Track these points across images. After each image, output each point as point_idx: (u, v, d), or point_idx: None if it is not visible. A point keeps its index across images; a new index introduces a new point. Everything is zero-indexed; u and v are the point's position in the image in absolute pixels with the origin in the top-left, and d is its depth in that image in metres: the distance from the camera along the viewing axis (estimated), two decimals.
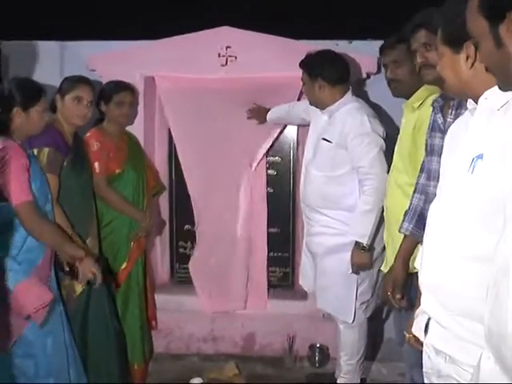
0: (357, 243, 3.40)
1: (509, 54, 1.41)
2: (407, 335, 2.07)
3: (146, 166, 4.08)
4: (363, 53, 3.72)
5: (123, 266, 3.78)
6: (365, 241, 3.37)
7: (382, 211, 3.26)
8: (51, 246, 2.88)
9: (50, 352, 2.96)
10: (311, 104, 3.63)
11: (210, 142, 4.25)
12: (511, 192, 1.44)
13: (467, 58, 1.74)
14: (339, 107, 3.48)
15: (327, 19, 6.04)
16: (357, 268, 3.45)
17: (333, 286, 3.57)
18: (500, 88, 1.55)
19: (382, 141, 3.38)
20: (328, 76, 3.45)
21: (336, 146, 3.44)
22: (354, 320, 3.58)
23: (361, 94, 4.00)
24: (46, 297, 2.83)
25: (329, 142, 3.48)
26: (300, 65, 3.55)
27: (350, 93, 3.52)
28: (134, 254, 3.84)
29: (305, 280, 3.87)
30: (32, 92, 2.92)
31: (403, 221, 2.74)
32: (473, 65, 1.74)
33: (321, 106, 3.57)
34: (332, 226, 3.51)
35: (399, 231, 2.75)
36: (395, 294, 2.71)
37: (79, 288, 3.25)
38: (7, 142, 2.77)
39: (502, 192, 1.49)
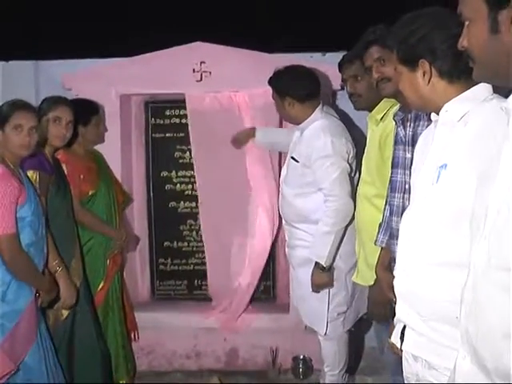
0: (316, 263, 3.41)
1: (503, 41, 1.38)
2: (389, 343, 2.09)
3: (114, 182, 4.06)
4: (337, 65, 3.74)
5: (101, 285, 3.75)
6: (323, 261, 3.38)
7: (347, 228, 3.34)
8: (24, 280, 2.82)
9: (46, 377, 2.93)
10: (284, 120, 3.66)
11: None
12: (477, 198, 1.47)
13: (424, 75, 1.79)
14: (308, 124, 3.47)
15: (301, 32, 6.09)
16: (316, 287, 3.47)
17: (306, 297, 3.59)
18: (477, 79, 1.54)
19: (345, 163, 3.37)
20: (296, 93, 3.42)
21: (302, 166, 3.46)
22: (326, 332, 3.59)
23: (334, 106, 4.03)
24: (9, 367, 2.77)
25: (296, 161, 3.50)
26: (268, 82, 3.54)
27: (319, 109, 3.49)
28: (111, 271, 3.82)
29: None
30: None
31: (378, 233, 2.77)
32: (430, 80, 1.80)
33: (293, 122, 3.59)
34: (304, 239, 3.53)
35: (375, 244, 2.78)
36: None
37: (65, 312, 3.28)
38: None
39: (467, 198, 1.53)
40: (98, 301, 3.70)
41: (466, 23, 1.48)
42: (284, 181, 3.63)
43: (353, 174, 3.49)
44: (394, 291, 2.69)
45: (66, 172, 3.55)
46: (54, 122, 3.25)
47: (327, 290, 3.52)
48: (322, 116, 3.48)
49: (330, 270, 3.44)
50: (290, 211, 3.60)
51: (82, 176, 3.67)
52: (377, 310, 2.79)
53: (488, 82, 1.60)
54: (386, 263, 2.74)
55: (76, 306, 3.32)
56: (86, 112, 3.75)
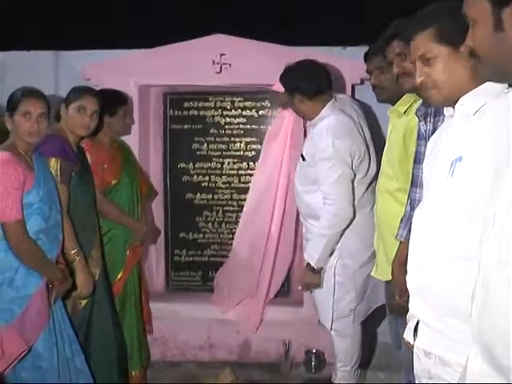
0: (307, 263, 3.44)
1: (508, 39, 1.39)
2: (405, 341, 2.08)
3: (139, 173, 4.06)
4: (357, 58, 3.73)
5: (120, 276, 3.75)
6: (313, 262, 3.40)
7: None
8: (31, 267, 2.83)
9: (56, 364, 2.94)
10: (298, 115, 3.66)
11: None
12: (492, 191, 1.46)
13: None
14: (318, 121, 3.44)
15: (321, 25, 6.06)
16: (304, 286, 3.53)
17: (316, 292, 3.62)
18: (490, 79, 1.54)
19: (346, 166, 3.34)
20: (305, 89, 3.40)
21: (308, 165, 3.46)
22: (332, 327, 3.61)
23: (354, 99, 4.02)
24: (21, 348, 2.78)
25: (304, 159, 3.51)
26: (279, 78, 3.54)
27: (330, 105, 3.46)
28: (130, 262, 3.82)
29: None
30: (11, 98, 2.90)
31: (399, 228, 2.75)
32: None
33: (305, 118, 3.60)
34: (313, 234, 3.52)
35: (396, 238, 2.76)
36: (400, 297, 2.72)
37: (84, 300, 3.30)
38: (0, 156, 2.75)
39: (483, 191, 1.53)
40: (115, 291, 3.71)
41: (471, 23, 1.47)
42: (296, 176, 3.64)
43: (365, 172, 3.48)
44: (400, 294, 2.71)
45: (90, 161, 3.56)
46: (78, 111, 3.24)
47: (332, 285, 3.53)
48: (331, 113, 3.42)
49: (320, 271, 3.46)
50: (301, 206, 3.61)
51: (105, 165, 3.67)
52: (396, 304, 2.77)
53: (496, 81, 1.58)
54: (403, 259, 2.73)
55: (94, 295, 3.34)
56: (113, 102, 3.75)
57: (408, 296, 2.69)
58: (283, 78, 3.50)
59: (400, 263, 2.74)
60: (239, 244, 4.35)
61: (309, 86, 3.40)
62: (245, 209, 4.32)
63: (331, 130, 3.34)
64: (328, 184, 3.31)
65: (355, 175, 3.40)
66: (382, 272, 3.00)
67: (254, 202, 4.26)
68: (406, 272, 2.69)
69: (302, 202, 3.59)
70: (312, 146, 3.42)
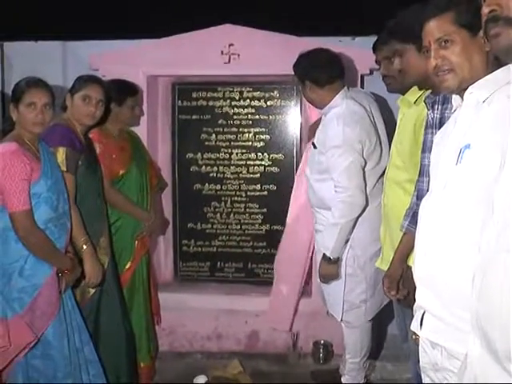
0: (323, 254, 3.41)
1: None
2: (413, 336, 2.07)
3: (149, 164, 4.06)
4: (366, 49, 3.71)
5: (128, 266, 3.75)
6: (328, 252, 3.37)
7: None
8: (40, 256, 2.83)
9: (67, 353, 2.95)
10: (311, 104, 3.65)
11: None
12: (499, 179, 1.45)
13: (484, 41, 1.75)
14: (329, 110, 3.44)
15: (330, 16, 6.03)
16: (322, 278, 3.48)
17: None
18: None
19: (357, 154, 3.31)
20: (315, 78, 3.39)
21: (318, 152, 3.45)
22: (342, 318, 3.60)
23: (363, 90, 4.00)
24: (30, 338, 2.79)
25: (315, 147, 3.50)
26: (293, 67, 3.52)
27: (341, 94, 3.43)
28: (139, 253, 3.82)
29: None
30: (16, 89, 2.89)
31: (403, 219, 2.74)
32: None
33: (316, 106, 3.57)
34: (324, 224, 3.50)
35: (400, 229, 2.75)
36: (390, 289, 2.73)
37: (92, 290, 3.31)
38: (5, 146, 2.75)
39: (491, 178, 1.51)
40: (123, 281, 3.71)
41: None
42: (307, 165, 3.63)
43: (376, 162, 3.46)
44: (389, 285, 2.72)
45: (98, 151, 3.56)
46: (83, 100, 3.23)
47: (343, 276, 3.51)
48: (343, 102, 3.41)
49: (337, 261, 3.43)
50: (312, 196, 3.59)
51: (113, 155, 3.67)
52: (403, 294, 2.76)
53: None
54: (406, 251, 2.72)
55: (103, 284, 3.34)
56: (121, 92, 3.75)
57: (394, 288, 2.72)
58: (295, 66, 3.49)
59: (401, 256, 2.74)
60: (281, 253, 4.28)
61: (320, 75, 3.39)
62: (288, 220, 4.25)
63: (342, 117, 3.33)
64: (338, 172, 3.29)
65: (366, 163, 3.39)
66: (388, 263, 2.99)
67: (295, 213, 4.18)
68: (405, 265, 2.71)
69: (312, 192, 3.57)
70: (323, 133, 3.41)
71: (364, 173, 3.37)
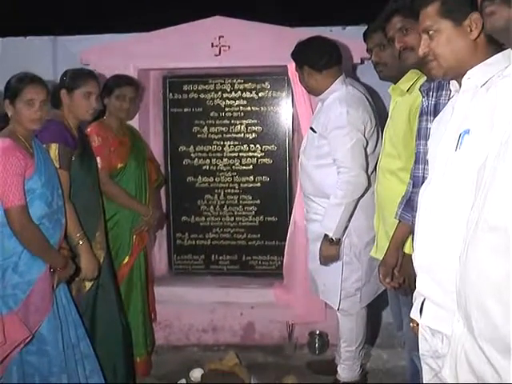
0: (325, 235, 3.41)
1: None
2: (411, 324, 2.07)
3: (148, 159, 4.06)
4: (357, 38, 3.71)
5: (125, 261, 3.75)
6: (331, 233, 3.37)
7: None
8: (33, 252, 2.82)
9: (62, 349, 2.94)
10: (308, 92, 3.64)
11: None
12: (492, 161, 1.47)
13: (470, 29, 1.75)
14: (328, 95, 3.45)
15: (320, 6, 6.03)
16: (324, 260, 3.47)
17: (321, 271, 3.59)
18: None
19: (360, 134, 3.34)
20: (313, 63, 3.41)
21: (319, 136, 3.45)
22: (339, 306, 3.60)
23: (355, 79, 4.00)
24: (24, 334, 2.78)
25: (314, 131, 3.49)
26: (291, 54, 3.52)
27: (340, 79, 3.46)
28: (137, 248, 3.82)
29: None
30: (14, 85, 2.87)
31: (398, 207, 2.75)
32: (478, 35, 1.76)
33: (314, 93, 3.57)
34: (319, 213, 3.50)
35: (395, 217, 2.76)
36: (385, 277, 2.74)
37: (88, 284, 3.30)
38: (1, 143, 2.73)
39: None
40: (121, 276, 3.72)
41: None
42: (303, 152, 3.62)
43: (373, 148, 3.47)
44: (384, 273, 2.73)
45: (97, 144, 3.57)
46: (85, 96, 3.22)
47: (340, 264, 3.52)
48: (342, 86, 3.44)
49: (338, 243, 3.43)
50: (307, 184, 3.58)
51: (112, 148, 3.67)
52: (400, 282, 2.77)
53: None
54: (401, 238, 2.72)
55: (99, 279, 3.34)
56: (109, 83, 3.77)
57: (388, 276, 2.73)
58: (294, 53, 3.51)
59: (396, 244, 2.75)
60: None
61: (318, 60, 3.40)
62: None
63: (344, 100, 3.37)
64: (342, 152, 3.30)
65: (367, 145, 3.41)
66: (382, 252, 2.99)
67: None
68: (400, 253, 2.72)
69: (307, 179, 3.57)
70: (324, 116, 3.41)
71: (366, 154, 3.39)
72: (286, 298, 4.36)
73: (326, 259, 3.47)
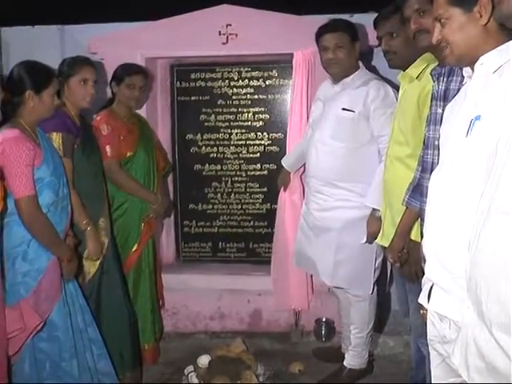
0: (373, 211, 3.36)
1: None
2: (421, 311, 2.08)
3: (156, 147, 4.07)
4: (365, 26, 3.72)
5: (134, 248, 3.78)
6: (382, 208, 3.30)
7: None
8: (42, 242, 2.84)
9: (71, 334, 2.98)
10: (332, 73, 3.58)
11: None
12: (503, 147, 1.48)
13: (480, 15, 1.76)
14: (357, 77, 3.49)
15: None
16: (371, 236, 3.39)
17: (351, 260, 3.55)
18: None
19: None
20: (357, 35, 3.51)
21: (358, 116, 3.42)
22: (373, 291, 3.61)
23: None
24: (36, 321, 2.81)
25: (351, 111, 3.44)
26: (338, 28, 3.50)
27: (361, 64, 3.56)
28: (145, 235, 3.84)
29: (301, 259, 3.87)
30: (43, 75, 2.90)
31: (405, 193, 2.75)
32: (488, 21, 1.76)
33: (341, 73, 3.53)
34: (349, 199, 3.48)
35: (402, 204, 2.77)
36: (395, 262, 2.77)
37: (93, 268, 3.33)
38: (9, 133, 2.76)
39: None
40: (130, 263, 3.75)
41: None
42: (332, 136, 3.50)
43: None
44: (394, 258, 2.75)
45: (106, 132, 3.61)
46: (80, 83, 3.25)
47: (373, 250, 3.51)
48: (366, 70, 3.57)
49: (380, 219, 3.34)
50: (333, 169, 3.51)
51: (121, 137, 3.69)
52: (407, 268, 2.78)
53: None
54: (409, 225, 2.73)
55: (103, 266, 3.37)
56: (120, 71, 3.78)
57: (402, 262, 2.75)
58: (348, 27, 3.55)
59: (403, 230, 2.76)
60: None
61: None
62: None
63: (381, 82, 3.47)
64: (390, 129, 3.20)
65: None
66: (388, 239, 3.00)
67: None
68: (407, 239, 2.73)
69: (332, 164, 3.51)
70: (363, 96, 3.41)
71: None
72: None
73: (373, 235, 3.38)
